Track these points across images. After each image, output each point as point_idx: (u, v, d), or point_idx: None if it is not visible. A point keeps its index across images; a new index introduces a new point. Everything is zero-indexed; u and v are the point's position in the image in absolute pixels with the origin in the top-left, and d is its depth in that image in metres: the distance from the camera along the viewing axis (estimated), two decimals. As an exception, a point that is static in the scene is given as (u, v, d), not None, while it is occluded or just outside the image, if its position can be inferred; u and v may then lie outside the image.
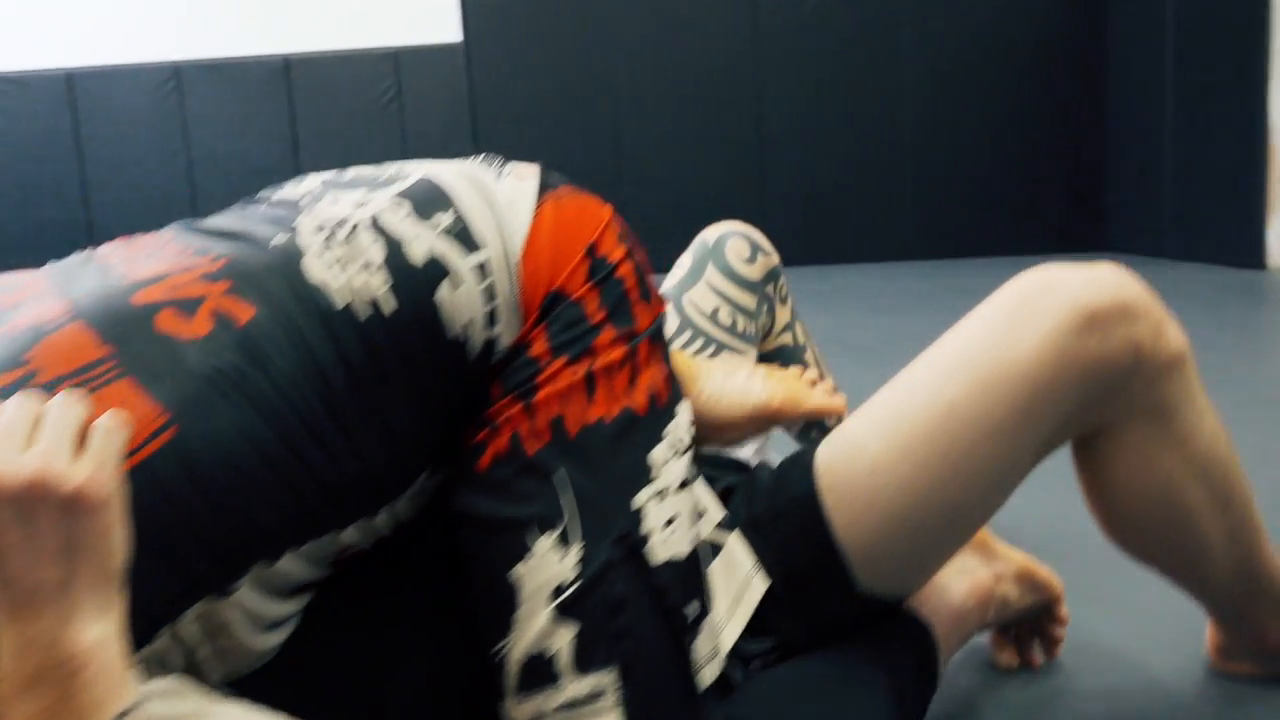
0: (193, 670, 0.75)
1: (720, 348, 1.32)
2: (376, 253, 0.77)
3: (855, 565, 0.90)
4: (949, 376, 0.90)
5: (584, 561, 0.77)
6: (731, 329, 1.33)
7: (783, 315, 1.45)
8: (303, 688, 0.80)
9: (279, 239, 0.78)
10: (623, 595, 0.77)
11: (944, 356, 0.92)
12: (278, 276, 0.76)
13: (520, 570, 0.77)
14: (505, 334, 0.80)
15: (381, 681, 0.83)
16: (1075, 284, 0.89)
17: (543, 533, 0.77)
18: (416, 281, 0.77)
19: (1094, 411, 0.91)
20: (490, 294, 0.79)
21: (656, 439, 0.82)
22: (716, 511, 0.92)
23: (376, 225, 0.79)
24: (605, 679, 0.77)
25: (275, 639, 0.79)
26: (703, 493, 0.92)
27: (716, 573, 0.88)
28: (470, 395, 0.81)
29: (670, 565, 0.80)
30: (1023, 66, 6.15)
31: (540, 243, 0.81)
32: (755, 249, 1.39)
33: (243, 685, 0.78)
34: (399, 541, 0.84)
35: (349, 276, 0.76)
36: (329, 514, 0.76)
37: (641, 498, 0.80)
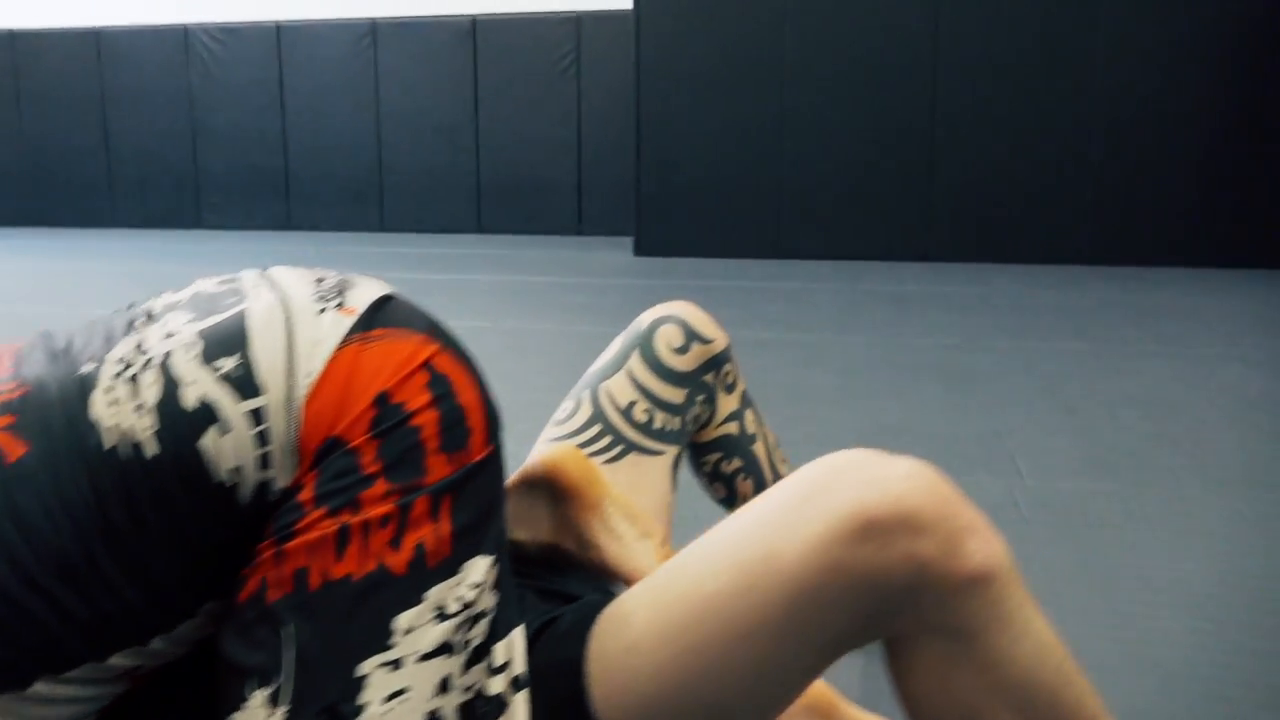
0: None
1: (630, 448, 1.25)
2: (152, 394, 0.78)
3: None
4: (715, 567, 0.81)
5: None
6: (646, 426, 1.26)
7: (727, 404, 1.37)
8: None
9: (86, 368, 0.80)
10: None
11: (720, 541, 0.83)
12: (63, 411, 0.78)
13: (236, 718, 0.76)
14: (280, 477, 0.79)
15: None
16: (856, 483, 0.77)
17: (260, 686, 0.75)
18: (181, 427, 0.77)
19: (878, 624, 0.79)
20: (263, 439, 0.78)
21: (412, 602, 0.78)
22: (520, 666, 0.84)
23: (164, 365, 0.79)
24: None
25: None
26: (516, 642, 0.85)
27: None
28: (246, 535, 0.80)
29: None
30: (1218, 71, 5.64)
31: (329, 388, 0.79)
32: (691, 337, 1.31)
33: None
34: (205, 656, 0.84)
35: (121, 416, 0.77)
36: (81, 647, 0.77)
37: (368, 665, 0.76)
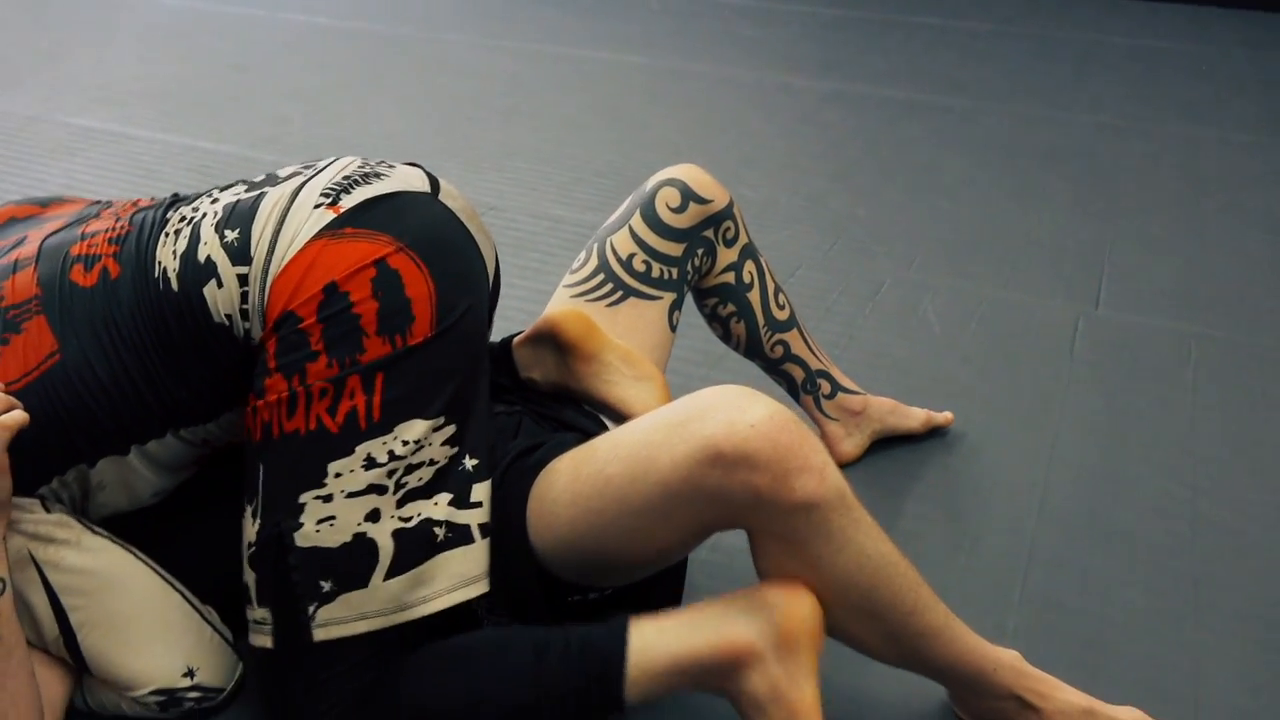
0: (78, 508, 1.14)
1: (629, 294, 1.44)
2: (182, 246, 1.08)
3: (540, 553, 1.11)
4: (618, 455, 1.06)
5: (259, 533, 1.05)
6: (644, 275, 1.45)
7: (726, 256, 1.53)
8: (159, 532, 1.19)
9: (169, 215, 1.13)
10: (272, 562, 1.04)
11: (627, 436, 1.08)
12: (140, 246, 1.09)
13: (242, 522, 1.08)
14: (255, 331, 1.07)
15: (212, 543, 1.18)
16: (719, 421, 0.99)
17: (248, 503, 1.07)
18: (192, 274, 1.07)
19: (727, 522, 1.04)
20: (245, 298, 1.06)
21: (343, 453, 1.03)
22: (486, 514, 1.10)
23: (195, 225, 1.10)
24: (266, 613, 1.06)
25: (138, 503, 1.17)
26: (477, 489, 1.09)
27: (453, 559, 1.07)
28: (244, 365, 1.08)
29: (312, 551, 1.03)
30: None
31: (293, 271, 1.04)
32: (688, 198, 1.46)
33: (116, 523, 1.17)
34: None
35: (165, 257, 1.08)
36: (161, 419, 1.10)
37: (306, 496, 1.03)
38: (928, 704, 1.25)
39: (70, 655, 1.10)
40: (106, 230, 1.12)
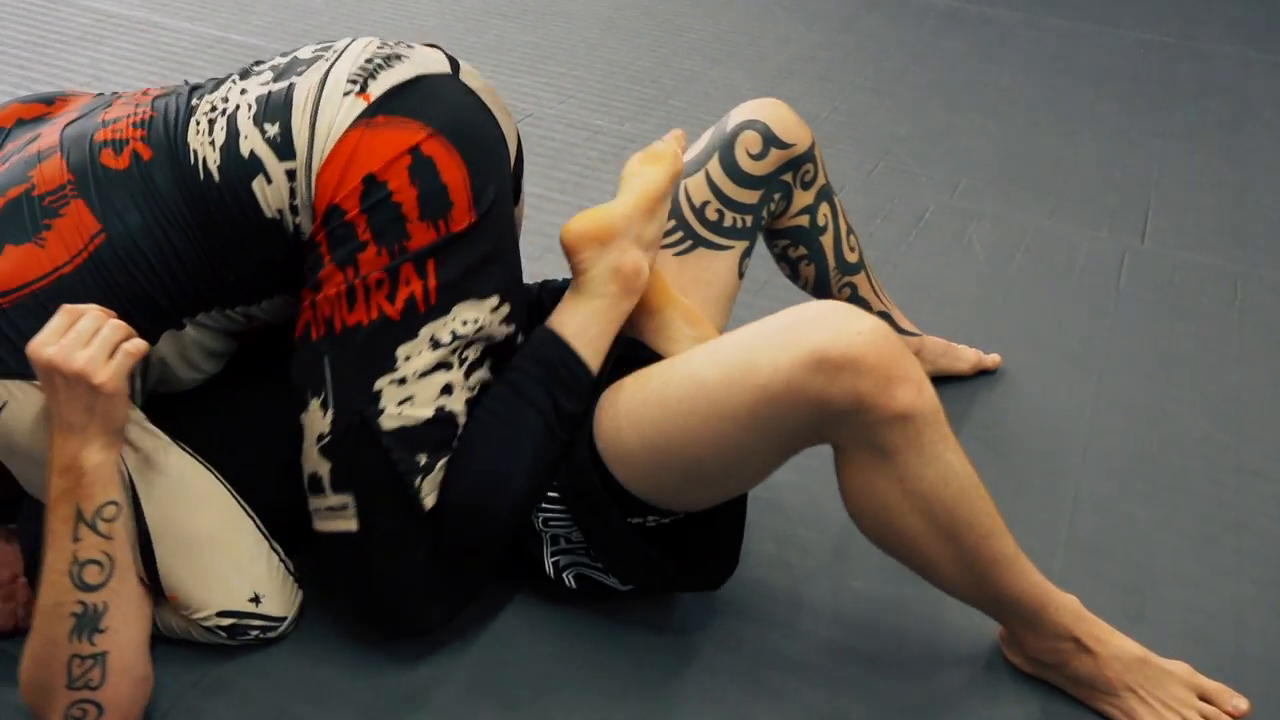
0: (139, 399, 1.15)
1: (698, 243, 1.39)
2: (220, 138, 1.08)
3: (611, 464, 1.13)
4: (714, 361, 1.07)
5: (334, 423, 1.09)
6: (716, 225, 1.39)
7: (802, 199, 1.48)
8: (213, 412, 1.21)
9: (194, 102, 1.12)
10: (355, 449, 1.09)
11: (721, 345, 1.09)
12: (168, 130, 1.10)
13: (304, 417, 1.11)
14: (305, 225, 1.09)
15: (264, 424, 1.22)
16: (826, 328, 1.00)
17: (314, 396, 1.10)
18: (237, 169, 1.07)
19: (822, 433, 1.04)
20: (294, 194, 1.07)
21: (409, 336, 1.08)
22: None
23: (230, 117, 1.09)
24: (348, 498, 1.11)
25: (198, 376, 1.19)
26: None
27: None
28: (296, 254, 1.10)
29: (400, 431, 1.09)
30: None
31: (334, 164, 1.06)
32: (770, 143, 1.39)
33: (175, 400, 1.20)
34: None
35: (200, 145, 1.09)
36: (210, 297, 1.12)
37: (381, 382, 1.08)
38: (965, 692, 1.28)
39: (145, 570, 1.11)
40: (128, 115, 1.12)
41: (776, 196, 1.44)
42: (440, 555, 1.14)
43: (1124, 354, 1.86)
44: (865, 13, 3.62)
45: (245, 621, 1.15)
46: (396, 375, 1.08)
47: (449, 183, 1.07)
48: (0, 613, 1.17)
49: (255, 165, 1.07)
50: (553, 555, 1.21)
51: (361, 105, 1.07)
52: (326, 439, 1.10)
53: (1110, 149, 2.70)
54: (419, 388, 1.09)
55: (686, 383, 1.07)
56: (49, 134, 1.13)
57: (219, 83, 1.15)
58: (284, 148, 1.07)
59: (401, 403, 1.09)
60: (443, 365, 1.10)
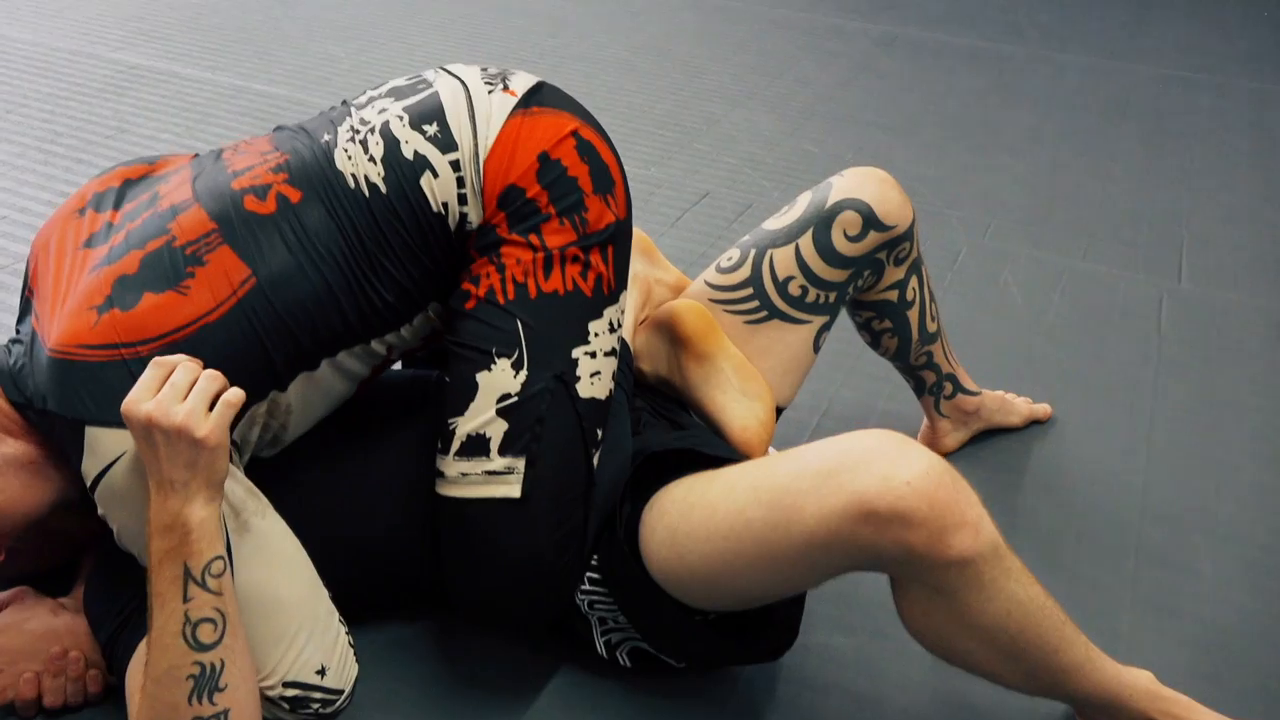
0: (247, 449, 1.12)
1: (774, 315, 1.34)
2: (379, 151, 1.09)
3: (655, 573, 1.10)
4: (757, 500, 1.02)
5: (526, 384, 1.08)
6: (798, 300, 1.34)
7: (893, 275, 1.42)
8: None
9: (325, 138, 1.11)
10: (544, 413, 1.08)
11: (768, 478, 1.04)
12: (317, 165, 1.09)
13: (483, 376, 1.09)
14: (473, 214, 1.09)
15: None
16: (874, 476, 0.95)
17: (504, 356, 1.09)
18: (405, 171, 1.08)
19: (874, 568, 1.01)
20: (461, 183, 1.08)
21: (597, 314, 1.11)
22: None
23: (384, 130, 1.10)
24: (517, 463, 1.09)
25: (304, 426, 1.16)
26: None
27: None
28: (455, 256, 1.11)
29: (590, 401, 1.10)
30: None
31: (501, 150, 1.08)
32: (869, 225, 1.32)
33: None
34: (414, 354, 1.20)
35: (356, 166, 1.08)
36: (358, 329, 1.11)
37: (577, 352, 1.10)
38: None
39: None
40: (260, 163, 1.11)
41: (867, 273, 1.37)
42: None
43: (1172, 399, 1.83)
44: (882, 52, 3.63)
45: (309, 694, 1.10)
46: (589, 349, 1.10)
47: (608, 164, 1.12)
48: (51, 689, 1.14)
49: (421, 163, 1.08)
50: (603, 635, 1.19)
51: (511, 99, 1.11)
52: (513, 400, 1.08)
53: (1138, 186, 2.69)
54: (604, 366, 1.11)
55: (732, 520, 1.03)
56: (177, 188, 1.11)
57: (342, 115, 1.15)
58: (446, 142, 1.08)
59: (592, 375, 1.10)
60: (615, 351, 1.13)
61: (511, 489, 1.08)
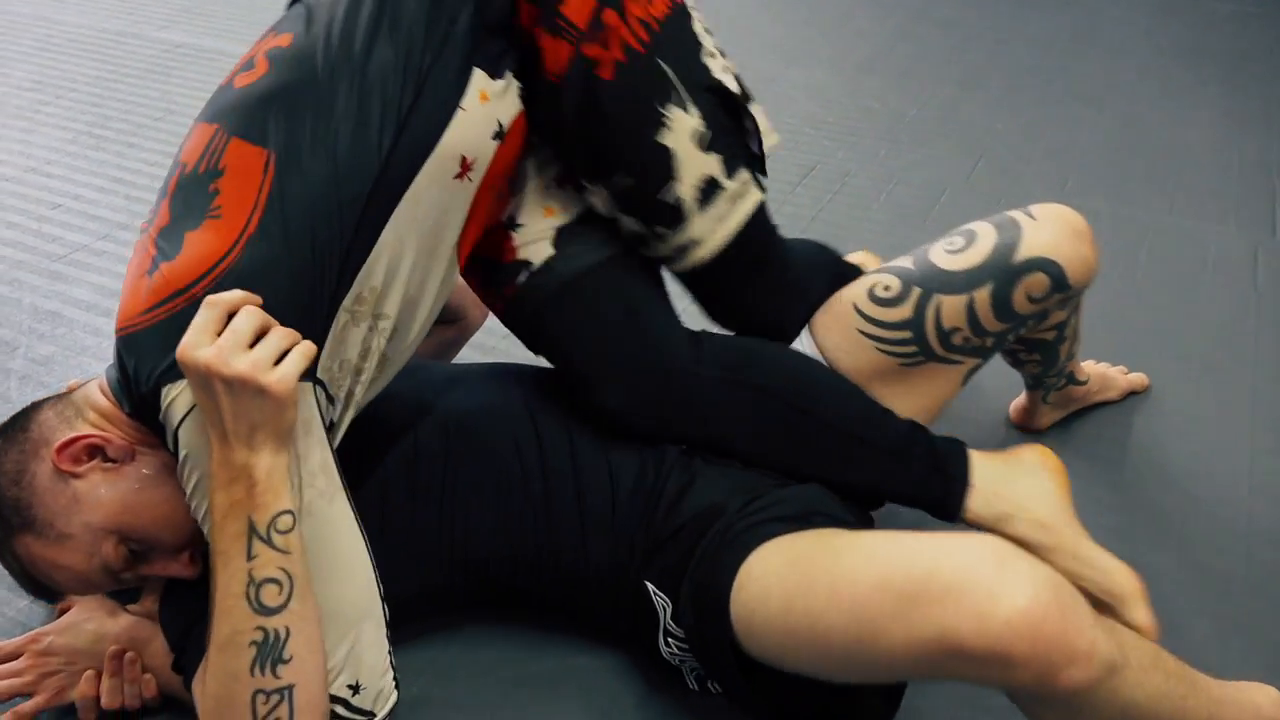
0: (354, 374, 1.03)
1: (929, 360, 1.20)
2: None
3: (740, 636, 0.99)
4: (838, 605, 0.89)
5: (703, 115, 1.07)
6: (959, 348, 1.20)
7: (1056, 317, 1.31)
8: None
9: None
10: (728, 121, 1.09)
11: (848, 583, 0.89)
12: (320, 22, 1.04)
13: (667, 137, 1.06)
14: None
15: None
16: (965, 611, 0.81)
17: (669, 104, 1.06)
18: None
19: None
20: None
21: (691, 19, 1.11)
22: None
23: None
24: (746, 175, 1.12)
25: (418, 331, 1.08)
26: None
27: None
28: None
29: (740, 95, 1.12)
30: None
31: None
32: (1056, 289, 1.16)
33: None
34: None
35: None
36: (408, 139, 1.02)
37: (704, 59, 1.09)
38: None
39: None
40: (248, 53, 1.08)
41: (1032, 322, 1.23)
42: None
43: (1274, 358, 1.73)
44: (939, 0, 3.49)
45: (334, 707, 0.99)
46: (706, 50, 1.10)
47: None
48: (108, 689, 1.11)
49: None
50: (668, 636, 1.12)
51: None
52: (706, 133, 1.08)
53: (1222, 133, 2.55)
54: (723, 63, 1.11)
55: (810, 624, 0.91)
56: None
57: None
58: None
59: (724, 70, 1.10)
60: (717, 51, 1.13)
61: (757, 193, 1.13)
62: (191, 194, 0.97)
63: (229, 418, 0.88)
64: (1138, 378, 1.65)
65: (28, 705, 1.11)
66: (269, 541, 0.89)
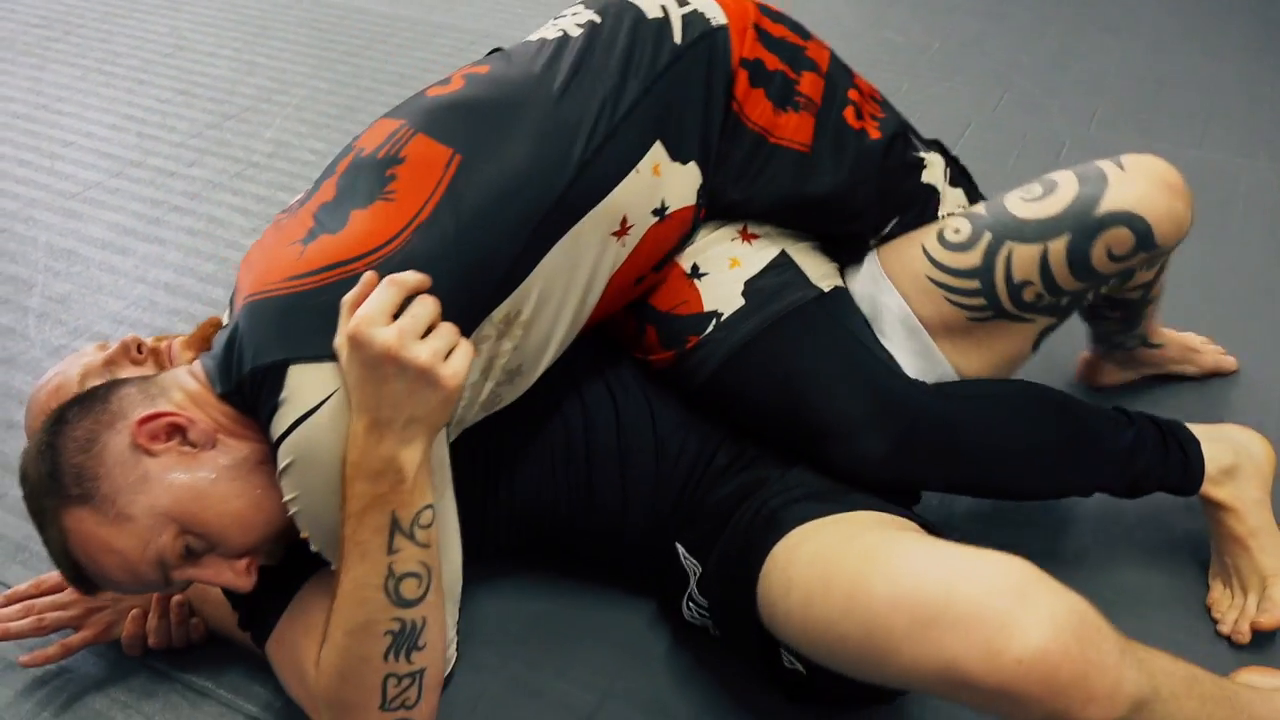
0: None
1: (998, 317, 1.12)
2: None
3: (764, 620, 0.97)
4: (851, 615, 0.85)
5: (924, 142, 1.21)
6: (1032, 304, 1.11)
7: (1143, 277, 1.24)
8: None
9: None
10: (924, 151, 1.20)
11: (864, 594, 0.85)
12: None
13: (925, 172, 1.18)
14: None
15: None
16: (972, 641, 0.76)
17: (927, 149, 1.20)
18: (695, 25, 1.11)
19: None
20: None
21: None
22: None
23: None
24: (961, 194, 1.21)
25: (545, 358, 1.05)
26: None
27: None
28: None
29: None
30: None
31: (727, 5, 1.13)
32: (1141, 246, 1.06)
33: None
34: None
35: (567, 19, 1.12)
36: (586, 181, 1.04)
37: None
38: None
39: None
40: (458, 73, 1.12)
41: (1114, 281, 1.16)
42: None
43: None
44: (964, -72, 3.39)
45: None
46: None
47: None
48: (155, 629, 1.12)
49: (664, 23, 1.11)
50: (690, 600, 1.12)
51: None
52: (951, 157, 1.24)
53: (1251, 66, 2.49)
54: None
55: (825, 628, 0.88)
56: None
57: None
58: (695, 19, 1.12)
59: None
60: None
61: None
62: (364, 175, 0.96)
63: (389, 405, 0.84)
64: (1228, 361, 1.55)
65: (74, 638, 1.11)
66: (411, 537, 0.88)
